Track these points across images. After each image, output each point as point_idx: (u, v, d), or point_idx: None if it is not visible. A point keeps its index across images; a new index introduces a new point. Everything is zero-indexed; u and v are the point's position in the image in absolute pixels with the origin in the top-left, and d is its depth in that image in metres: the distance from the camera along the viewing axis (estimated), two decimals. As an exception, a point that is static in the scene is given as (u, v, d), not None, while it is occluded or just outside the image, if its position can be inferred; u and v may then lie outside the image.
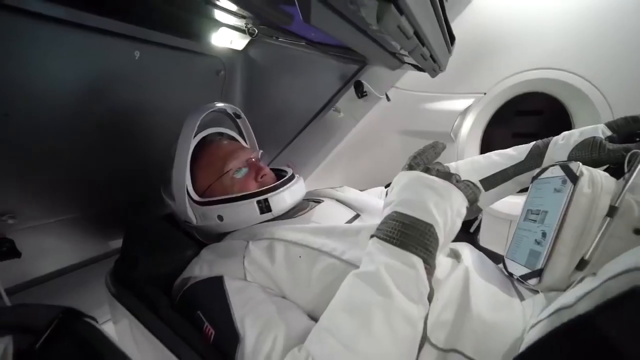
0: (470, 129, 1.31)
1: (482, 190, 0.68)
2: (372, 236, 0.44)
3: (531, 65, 1.19)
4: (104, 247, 0.92)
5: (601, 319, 0.29)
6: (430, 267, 0.40)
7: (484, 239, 1.25)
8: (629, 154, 0.47)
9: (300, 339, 0.41)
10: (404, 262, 0.39)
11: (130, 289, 0.53)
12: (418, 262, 0.39)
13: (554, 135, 0.66)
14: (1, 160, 0.62)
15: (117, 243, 0.94)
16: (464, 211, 0.44)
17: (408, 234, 0.40)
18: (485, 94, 1.26)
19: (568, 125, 1.29)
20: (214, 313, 0.47)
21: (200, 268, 0.56)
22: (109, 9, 0.67)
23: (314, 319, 0.46)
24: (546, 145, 0.64)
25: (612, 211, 0.46)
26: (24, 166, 0.67)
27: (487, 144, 1.37)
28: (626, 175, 0.47)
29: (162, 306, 0.50)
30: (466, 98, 1.27)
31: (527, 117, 1.34)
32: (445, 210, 0.42)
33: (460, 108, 1.26)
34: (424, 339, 0.39)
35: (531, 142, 0.69)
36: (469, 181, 0.47)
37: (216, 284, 0.50)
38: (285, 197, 0.66)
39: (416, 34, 0.43)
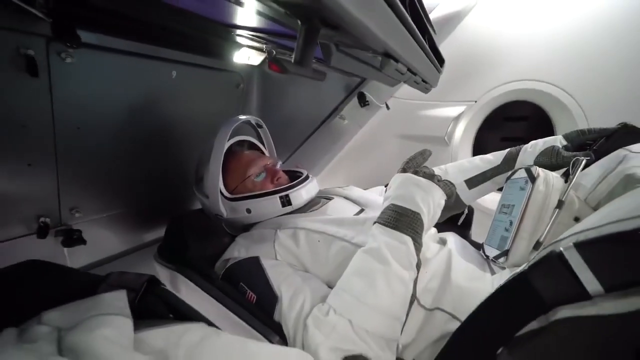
0: (463, 133, 1.45)
1: (464, 188, 0.81)
2: (374, 223, 0.58)
3: (517, 76, 1.33)
4: (143, 238, 1.06)
5: (531, 273, 0.43)
6: (418, 244, 0.54)
7: (475, 233, 1.39)
8: (572, 160, 0.61)
9: (322, 299, 0.55)
10: (398, 240, 0.53)
11: (184, 266, 0.67)
12: (408, 240, 0.53)
13: (538, 139, 0.79)
14: (73, 165, 0.76)
15: (153, 235, 1.08)
16: (442, 203, 0.59)
17: (401, 220, 0.54)
18: (475, 101, 1.39)
19: (550, 130, 1.42)
20: (255, 283, 0.61)
21: (239, 251, 0.70)
22: (154, 37, 0.80)
23: (330, 287, 0.60)
24: (518, 152, 0.78)
25: (560, 204, 0.59)
26: (88, 170, 0.81)
27: (479, 147, 1.51)
28: (570, 177, 0.60)
29: (215, 278, 0.63)
30: (459, 105, 1.40)
31: (514, 123, 1.48)
32: (428, 202, 0.56)
33: (454, 114, 1.40)
34: (414, 297, 0.53)
35: (517, 145, 0.82)
36: (447, 181, 0.61)
37: (254, 262, 0.63)
38: (302, 193, 0.79)
39: (409, 70, 0.57)
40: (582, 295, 0.39)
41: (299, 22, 0.31)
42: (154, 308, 0.52)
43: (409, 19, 0.41)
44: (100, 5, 0.63)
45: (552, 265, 0.41)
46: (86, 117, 0.75)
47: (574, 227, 0.41)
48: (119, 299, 0.44)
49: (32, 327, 0.36)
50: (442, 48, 1.33)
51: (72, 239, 0.77)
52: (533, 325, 0.45)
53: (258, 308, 0.58)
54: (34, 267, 0.54)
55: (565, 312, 0.41)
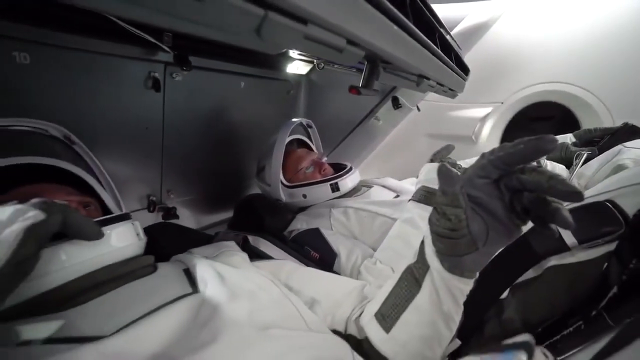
0: (490, 132, 1.57)
1: None
2: (409, 200, 0.75)
3: (542, 79, 1.43)
4: (212, 218, 1.30)
5: (529, 235, 0.58)
6: None
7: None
8: (576, 154, 0.75)
9: (370, 256, 0.73)
10: (428, 211, 0.69)
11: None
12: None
13: None
14: (171, 157, 1.00)
15: (214, 218, 1.32)
16: None
17: (430, 197, 0.71)
18: (502, 103, 1.51)
19: (577, 128, 1.50)
20: (317, 246, 0.80)
21: (301, 224, 0.90)
22: (232, 56, 1.01)
23: (374, 251, 0.78)
24: (533, 148, 0.91)
25: (563, 189, 0.74)
26: (179, 161, 1.05)
27: (506, 146, 1.61)
28: (572, 167, 0.74)
29: (287, 241, 0.84)
30: (485, 107, 1.52)
31: (540, 122, 1.57)
32: None
33: (481, 115, 1.52)
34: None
35: None
36: (466, 168, 0.77)
37: (316, 231, 0.83)
38: (348, 182, 0.98)
39: (438, 83, 0.73)
40: (564, 247, 0.55)
41: (366, 62, 0.49)
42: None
43: (439, 51, 0.58)
44: (200, 36, 0.85)
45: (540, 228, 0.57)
46: (183, 121, 0.98)
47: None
48: (233, 245, 0.64)
49: (190, 256, 0.56)
50: (470, 54, 1.46)
51: (170, 214, 1.01)
52: (529, 274, 0.61)
53: (321, 262, 0.77)
54: (165, 226, 0.77)
55: (552, 262, 0.58)
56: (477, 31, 1.44)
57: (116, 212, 0.55)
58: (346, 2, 0.26)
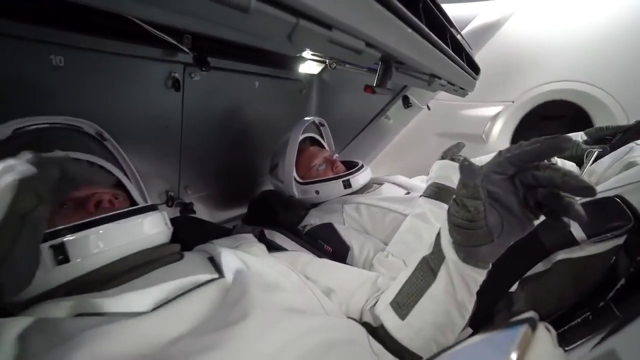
0: (500, 131, 1.57)
1: None
2: (420, 196, 0.77)
3: (554, 77, 1.42)
4: (226, 214, 1.34)
5: (539, 229, 0.60)
6: None
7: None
8: (586, 151, 0.75)
9: (382, 249, 0.75)
10: (438, 207, 0.71)
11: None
12: (445, 207, 0.71)
13: None
14: (189, 154, 1.04)
15: (228, 215, 1.36)
16: None
17: (440, 193, 0.73)
18: (513, 102, 1.51)
19: (590, 126, 1.49)
20: (331, 239, 0.82)
21: (314, 219, 0.92)
22: (247, 57, 1.05)
23: (386, 245, 0.80)
24: (544, 145, 0.92)
25: (573, 186, 0.75)
26: (196, 158, 1.09)
27: (516, 144, 1.61)
28: (584, 165, 0.75)
29: (300, 235, 0.87)
30: (496, 105, 1.52)
31: (552, 121, 1.56)
32: None
33: (491, 114, 1.52)
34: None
35: None
36: (477, 165, 0.78)
37: (329, 226, 0.86)
38: (359, 179, 1.00)
39: (449, 82, 0.75)
40: (573, 241, 0.57)
41: (380, 62, 0.52)
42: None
43: (450, 51, 0.60)
44: (218, 37, 0.88)
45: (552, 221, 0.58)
46: (200, 119, 1.02)
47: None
48: (251, 237, 0.67)
49: (212, 246, 0.59)
50: (481, 52, 1.47)
51: (187, 209, 1.05)
52: (539, 267, 0.63)
53: (334, 255, 0.80)
54: (186, 219, 0.80)
55: (561, 256, 0.59)
56: (488, 30, 1.45)
57: (142, 204, 0.58)
58: (366, 7, 0.29)
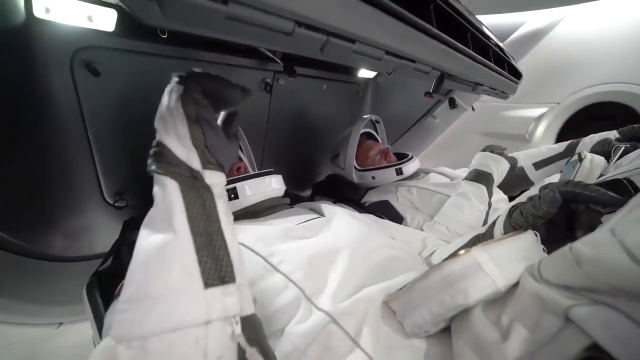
0: (544, 132, 1.64)
1: (532, 169, 1.11)
2: (463, 179, 0.95)
3: (601, 79, 1.48)
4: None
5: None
6: (489, 192, 0.90)
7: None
8: (614, 147, 0.88)
9: (429, 219, 0.95)
10: (477, 187, 0.89)
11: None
12: (484, 188, 0.89)
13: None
14: (269, 149, 1.30)
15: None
16: (507, 168, 0.94)
17: (479, 177, 0.91)
18: (558, 103, 1.58)
19: (640, 128, 1.52)
20: (388, 212, 1.03)
21: (372, 197, 1.14)
22: (319, 63, 1.28)
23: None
24: (578, 142, 1.04)
25: (599, 177, 0.88)
26: (273, 148, 1.35)
27: (561, 145, 1.67)
28: (611, 159, 0.88)
29: (363, 207, 1.10)
30: (540, 107, 1.61)
31: (600, 123, 1.59)
32: (497, 168, 0.91)
33: (535, 115, 1.61)
34: (486, 220, 0.89)
35: None
36: (512, 156, 0.94)
37: (386, 202, 1.06)
38: (410, 167, 1.19)
39: (491, 88, 0.92)
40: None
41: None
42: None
43: (492, 64, 0.78)
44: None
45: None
46: (280, 116, 1.28)
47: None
48: (330, 203, 0.90)
49: (306, 203, 0.83)
50: (528, 56, 1.56)
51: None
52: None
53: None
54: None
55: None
56: (535, 35, 1.55)
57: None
58: (428, 45, 0.49)
